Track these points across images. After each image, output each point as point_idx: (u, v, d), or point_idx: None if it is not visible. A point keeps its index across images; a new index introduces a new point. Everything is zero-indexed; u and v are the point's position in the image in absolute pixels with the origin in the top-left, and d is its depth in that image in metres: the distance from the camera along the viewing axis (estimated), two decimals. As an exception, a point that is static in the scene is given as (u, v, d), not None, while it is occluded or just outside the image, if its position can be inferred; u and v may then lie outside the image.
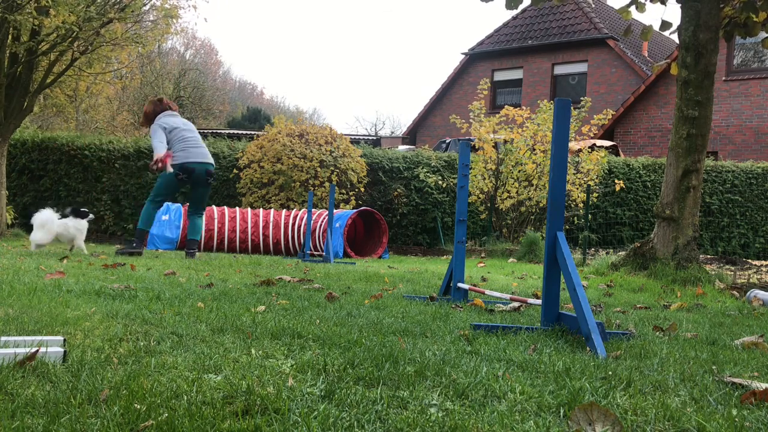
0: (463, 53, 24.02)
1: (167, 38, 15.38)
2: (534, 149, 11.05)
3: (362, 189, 12.40)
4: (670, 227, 5.94)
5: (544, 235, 9.06)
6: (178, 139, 6.76)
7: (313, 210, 9.83)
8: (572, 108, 7.93)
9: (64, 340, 2.06)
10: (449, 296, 3.86)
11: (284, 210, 10.64)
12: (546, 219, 2.95)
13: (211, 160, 6.96)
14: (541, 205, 11.12)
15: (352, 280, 4.77)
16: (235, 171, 12.49)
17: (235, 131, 20.67)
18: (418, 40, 76.47)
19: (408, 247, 12.76)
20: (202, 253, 8.82)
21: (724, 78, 17.30)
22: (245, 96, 45.93)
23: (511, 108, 11.64)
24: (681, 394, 1.78)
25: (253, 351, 2.09)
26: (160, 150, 6.58)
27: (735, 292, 5.06)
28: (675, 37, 6.68)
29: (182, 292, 3.45)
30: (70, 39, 10.31)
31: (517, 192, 11.13)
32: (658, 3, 6.79)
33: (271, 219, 10.26)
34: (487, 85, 12.89)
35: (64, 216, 6.81)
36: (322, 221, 9.88)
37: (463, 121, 12.01)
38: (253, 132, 19.51)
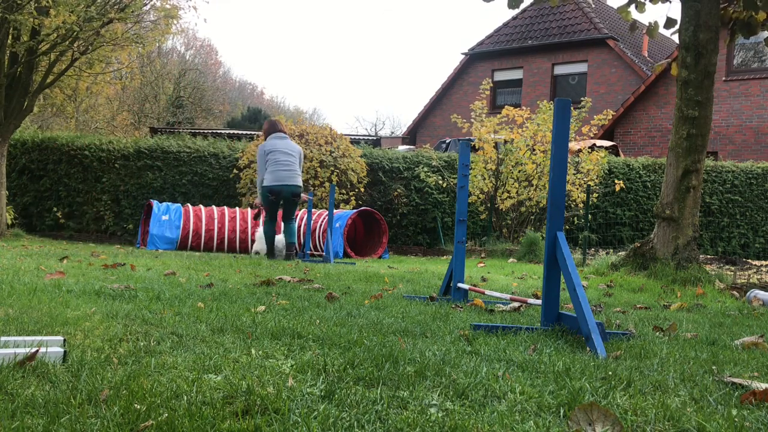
0: (463, 53, 24.01)
1: (167, 38, 15.38)
2: (534, 149, 11.04)
3: (362, 189, 12.39)
4: (670, 227, 5.94)
5: (544, 235, 9.06)
6: (272, 162, 7.56)
7: (312, 210, 9.83)
8: (572, 108, 7.93)
9: (64, 340, 2.06)
10: (449, 296, 3.86)
11: (284, 210, 10.63)
12: (546, 219, 2.95)
13: (296, 182, 7.64)
14: (541, 205, 11.11)
15: (352, 280, 4.77)
16: (235, 171, 12.49)
17: (235, 131, 20.65)
18: (418, 40, 76.48)
19: (408, 247, 12.76)
20: (201, 253, 8.81)
21: (724, 78, 17.29)
22: (245, 96, 45.90)
23: (512, 108, 11.63)
24: (681, 394, 1.78)
25: (253, 351, 2.09)
26: (258, 191, 7.77)
27: (735, 292, 5.05)
28: (675, 37, 6.67)
29: (182, 292, 3.45)
30: (70, 39, 10.31)
31: (517, 192, 11.12)
32: (659, 2, 6.77)
33: (271, 219, 10.25)
34: (489, 85, 12.87)
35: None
36: (322, 221, 9.88)
37: (464, 120, 12.00)
38: (253, 132, 19.50)
